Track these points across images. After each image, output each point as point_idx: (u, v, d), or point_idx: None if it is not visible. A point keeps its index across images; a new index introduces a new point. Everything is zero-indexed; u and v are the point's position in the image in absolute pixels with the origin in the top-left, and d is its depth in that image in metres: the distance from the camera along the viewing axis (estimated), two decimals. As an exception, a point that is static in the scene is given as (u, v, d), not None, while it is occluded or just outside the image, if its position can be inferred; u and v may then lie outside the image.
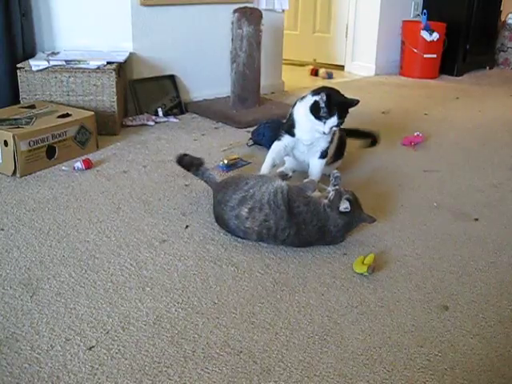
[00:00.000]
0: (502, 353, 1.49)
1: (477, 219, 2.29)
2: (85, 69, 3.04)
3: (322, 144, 2.39)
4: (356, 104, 2.29)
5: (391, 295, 1.73)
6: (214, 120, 3.56)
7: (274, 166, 2.46)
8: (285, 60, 4.77)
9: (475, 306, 1.69)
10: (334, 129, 2.29)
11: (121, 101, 3.25)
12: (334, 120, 2.23)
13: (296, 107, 2.40)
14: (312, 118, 2.27)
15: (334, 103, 2.22)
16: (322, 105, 2.22)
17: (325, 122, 2.24)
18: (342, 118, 2.25)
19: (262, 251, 1.96)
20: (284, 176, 2.58)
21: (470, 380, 1.38)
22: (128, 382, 1.32)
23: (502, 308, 1.68)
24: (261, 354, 1.44)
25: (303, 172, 2.53)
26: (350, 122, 2.53)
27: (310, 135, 2.35)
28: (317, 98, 2.25)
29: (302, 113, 2.33)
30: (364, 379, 1.37)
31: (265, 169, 2.41)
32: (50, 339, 1.46)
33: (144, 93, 3.53)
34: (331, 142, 2.43)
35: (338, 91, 2.32)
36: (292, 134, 2.39)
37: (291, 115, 2.41)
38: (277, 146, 2.44)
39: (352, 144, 2.75)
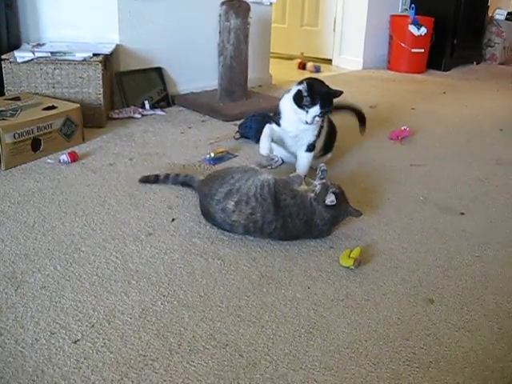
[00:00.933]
0: (487, 346, 1.50)
1: (463, 213, 2.30)
2: (71, 61, 3.01)
3: (308, 137, 2.40)
4: (339, 95, 2.31)
5: (377, 288, 1.73)
6: (201, 113, 3.55)
7: (270, 143, 2.45)
8: (272, 53, 4.76)
9: (460, 300, 1.69)
10: (317, 119, 2.29)
11: (107, 93, 3.23)
12: (316, 109, 2.24)
13: (283, 99, 2.42)
14: (295, 107, 2.28)
15: (316, 92, 2.24)
16: (305, 94, 2.23)
17: (307, 111, 2.25)
18: (324, 107, 2.26)
19: (248, 244, 1.95)
20: (271, 160, 2.59)
21: (454, 373, 1.39)
22: (113, 376, 1.32)
23: (486, 301, 1.69)
24: (247, 347, 1.44)
25: (292, 164, 2.53)
26: (338, 115, 2.55)
27: (294, 126, 2.36)
28: (300, 87, 2.27)
29: (287, 104, 2.36)
30: (350, 372, 1.37)
31: (264, 148, 2.37)
32: (34, 333, 1.45)
33: (131, 85, 3.50)
34: (318, 136, 2.44)
35: (321, 81, 2.35)
36: (278, 124, 2.41)
37: (278, 107, 2.43)
38: (268, 127, 2.45)
39: (339, 137, 2.75)
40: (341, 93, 2.31)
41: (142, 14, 3.50)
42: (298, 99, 2.26)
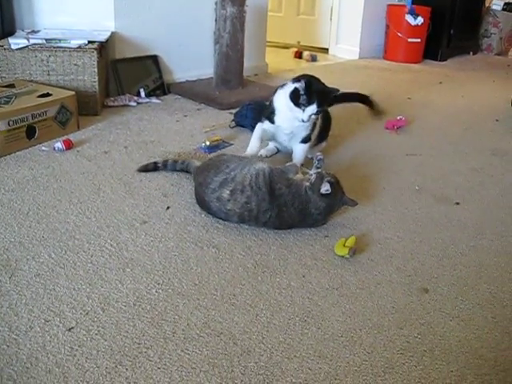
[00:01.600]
0: (480, 335, 1.50)
1: (458, 203, 2.30)
2: (66, 48, 2.99)
3: (303, 133, 2.38)
4: (336, 93, 2.28)
5: (372, 277, 1.74)
6: (196, 101, 3.53)
7: (260, 144, 2.44)
8: (269, 42, 4.74)
9: (455, 289, 1.70)
10: (313, 117, 2.28)
11: (102, 81, 3.20)
12: (313, 108, 2.22)
13: (276, 94, 2.38)
14: (291, 104, 2.25)
15: (313, 91, 2.21)
16: (302, 92, 2.20)
17: (304, 110, 2.23)
18: (321, 106, 2.24)
19: (243, 233, 1.95)
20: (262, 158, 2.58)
21: (448, 361, 1.39)
22: (107, 363, 1.32)
23: (480, 291, 1.70)
24: (241, 335, 1.44)
25: (287, 154, 2.52)
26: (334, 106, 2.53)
27: (289, 123, 2.33)
28: (297, 85, 2.23)
29: (282, 100, 2.32)
30: (344, 360, 1.38)
31: (253, 148, 2.38)
32: (28, 320, 1.44)
33: (126, 73, 3.48)
34: (313, 129, 2.42)
35: (318, 79, 2.31)
36: (272, 121, 2.38)
37: (271, 102, 2.39)
38: (260, 126, 2.43)
39: (335, 127, 2.74)
40: (337, 91, 2.28)
41: (137, 1, 3.47)
42: (295, 97, 2.23)
